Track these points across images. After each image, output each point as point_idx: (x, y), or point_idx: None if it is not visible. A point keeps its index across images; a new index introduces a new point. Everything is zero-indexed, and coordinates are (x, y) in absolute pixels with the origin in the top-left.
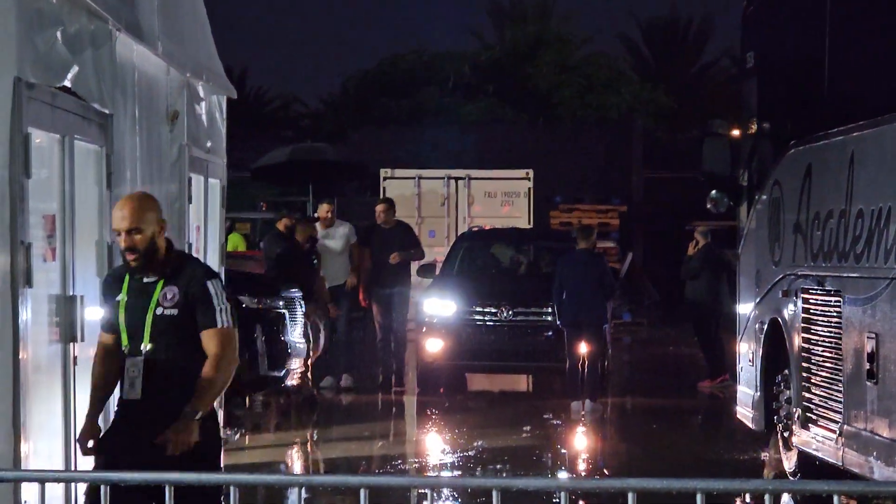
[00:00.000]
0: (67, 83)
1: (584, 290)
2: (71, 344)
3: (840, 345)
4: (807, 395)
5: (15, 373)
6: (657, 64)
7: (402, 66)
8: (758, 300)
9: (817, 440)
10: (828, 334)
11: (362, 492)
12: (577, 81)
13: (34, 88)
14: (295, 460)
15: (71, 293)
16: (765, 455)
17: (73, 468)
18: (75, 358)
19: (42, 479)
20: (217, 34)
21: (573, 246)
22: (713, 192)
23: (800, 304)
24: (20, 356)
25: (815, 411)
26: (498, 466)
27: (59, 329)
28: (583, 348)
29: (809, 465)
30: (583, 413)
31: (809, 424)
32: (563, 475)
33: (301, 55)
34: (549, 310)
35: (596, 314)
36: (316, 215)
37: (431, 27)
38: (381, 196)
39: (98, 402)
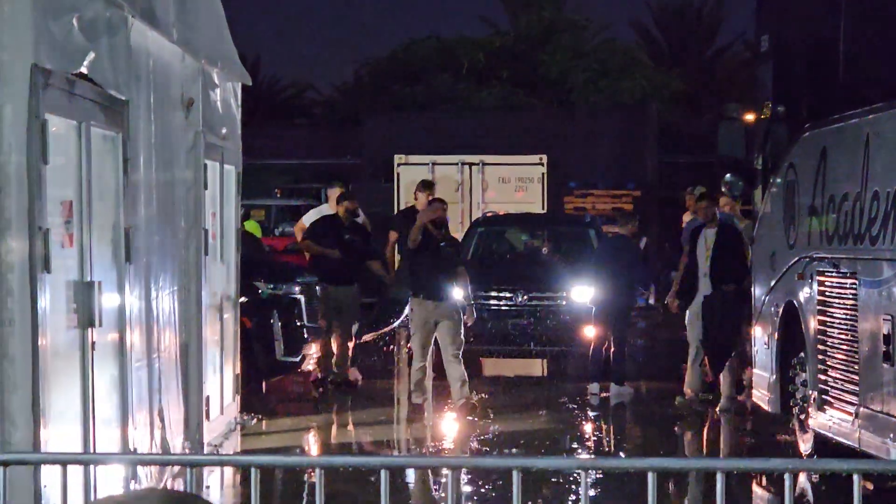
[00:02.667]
0: (84, 70)
1: (615, 274)
2: (89, 329)
3: (856, 327)
4: (823, 377)
5: (34, 358)
6: (671, 49)
7: (417, 52)
8: (773, 283)
9: (833, 422)
10: (843, 317)
11: (383, 472)
12: (591, 67)
13: (51, 75)
14: (312, 444)
15: (89, 279)
16: (781, 437)
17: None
18: (93, 343)
19: (63, 461)
20: (231, 21)
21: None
22: (728, 175)
23: (815, 286)
24: (39, 342)
25: (831, 393)
26: (514, 450)
27: (78, 315)
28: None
29: (825, 447)
30: (606, 395)
31: (825, 407)
32: (581, 456)
33: (314, 43)
34: (564, 294)
35: (623, 299)
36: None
37: (445, 14)
38: (395, 181)
39: None
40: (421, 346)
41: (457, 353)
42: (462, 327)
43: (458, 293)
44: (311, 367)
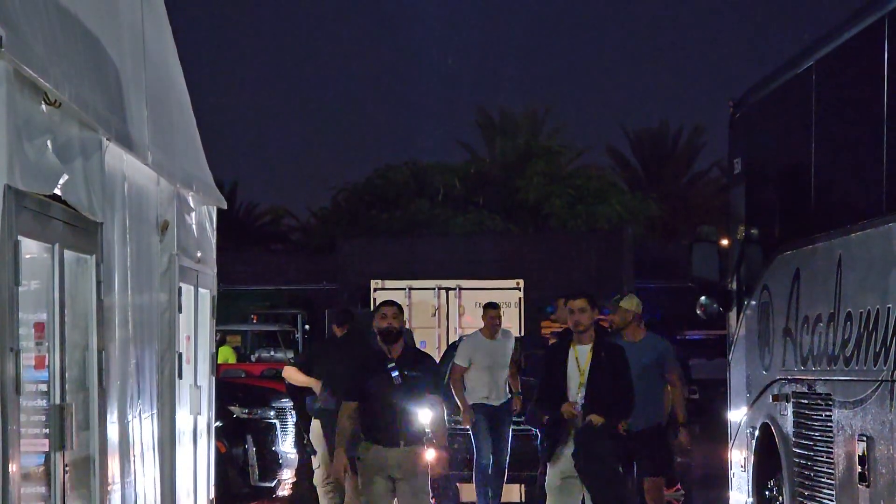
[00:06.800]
0: (58, 191)
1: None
2: (61, 452)
3: (831, 448)
4: (799, 499)
5: (4, 482)
6: (647, 175)
7: (393, 178)
8: (748, 405)
9: None
10: (819, 438)
11: None
12: (567, 192)
13: (25, 197)
14: None
15: (60, 401)
16: None
17: None
18: (65, 466)
19: None
20: (208, 147)
21: None
22: (702, 297)
23: (790, 408)
24: (10, 465)
25: None
26: None
27: (50, 437)
28: None
29: None
30: None
31: None
32: None
33: (292, 170)
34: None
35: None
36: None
37: (422, 140)
38: (372, 307)
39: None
40: None
41: None
42: (428, 483)
43: (424, 431)
44: (286, 493)
